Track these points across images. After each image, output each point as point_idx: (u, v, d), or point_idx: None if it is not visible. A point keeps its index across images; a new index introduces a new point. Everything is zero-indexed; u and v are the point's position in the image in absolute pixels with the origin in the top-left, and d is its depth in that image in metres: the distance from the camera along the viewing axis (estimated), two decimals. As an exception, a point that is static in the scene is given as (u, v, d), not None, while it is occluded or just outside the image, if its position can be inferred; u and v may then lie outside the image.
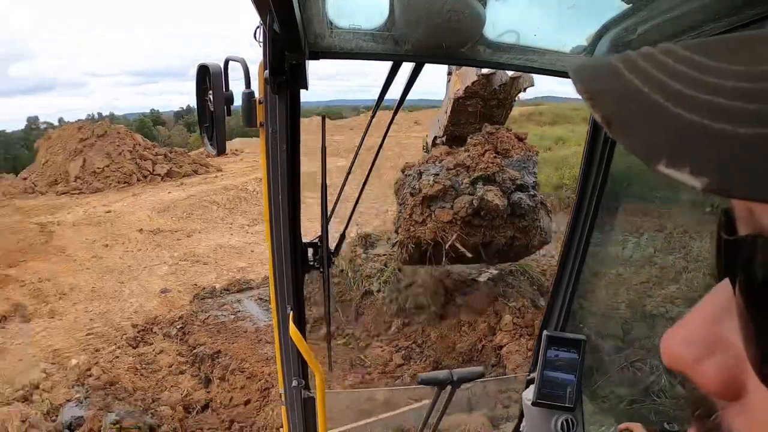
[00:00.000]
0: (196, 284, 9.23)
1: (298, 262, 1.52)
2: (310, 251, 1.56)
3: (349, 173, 1.58)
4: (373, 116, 1.51)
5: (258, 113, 1.27)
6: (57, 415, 5.59)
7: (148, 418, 5.48)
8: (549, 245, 5.73)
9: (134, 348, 7.24)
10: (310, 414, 1.70)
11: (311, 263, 1.57)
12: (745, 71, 0.23)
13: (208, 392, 6.16)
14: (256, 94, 1.26)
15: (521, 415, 1.88)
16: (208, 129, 1.28)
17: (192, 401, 5.96)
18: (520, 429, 1.90)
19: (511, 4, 1.20)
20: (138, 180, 17.21)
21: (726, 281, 0.28)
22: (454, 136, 5.84)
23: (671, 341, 0.29)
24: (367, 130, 1.60)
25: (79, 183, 16.81)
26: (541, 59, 1.43)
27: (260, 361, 6.41)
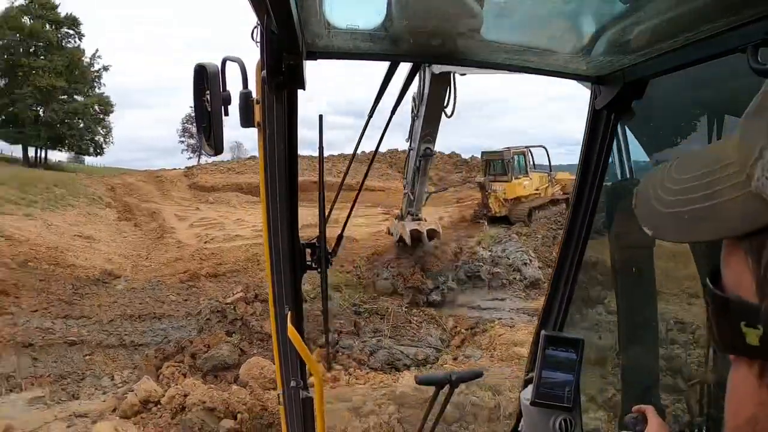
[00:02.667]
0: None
1: (297, 262, 1.51)
2: (308, 252, 1.56)
3: (346, 174, 1.58)
4: (369, 117, 1.51)
5: (255, 113, 1.27)
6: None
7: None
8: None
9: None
10: (309, 414, 1.70)
11: (309, 264, 1.56)
12: (678, 179, 0.48)
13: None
14: (254, 95, 1.25)
15: (519, 415, 1.88)
16: (206, 129, 1.28)
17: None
18: (519, 429, 1.89)
19: (509, 4, 1.20)
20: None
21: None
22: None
23: None
24: (363, 131, 1.59)
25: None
26: (538, 59, 1.43)
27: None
